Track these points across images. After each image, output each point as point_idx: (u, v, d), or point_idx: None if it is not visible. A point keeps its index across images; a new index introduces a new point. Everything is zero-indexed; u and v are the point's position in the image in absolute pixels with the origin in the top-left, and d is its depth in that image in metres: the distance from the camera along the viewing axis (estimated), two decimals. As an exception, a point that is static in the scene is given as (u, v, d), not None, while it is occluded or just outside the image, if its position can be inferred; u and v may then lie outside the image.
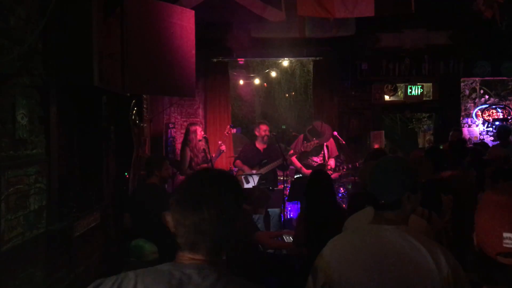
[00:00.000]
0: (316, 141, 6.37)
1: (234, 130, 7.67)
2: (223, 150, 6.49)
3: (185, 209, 1.20)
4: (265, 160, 6.41)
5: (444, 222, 3.39)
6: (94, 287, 1.21)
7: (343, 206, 3.78)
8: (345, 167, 6.74)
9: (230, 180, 1.28)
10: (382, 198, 1.76)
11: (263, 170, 6.34)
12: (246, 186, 6.04)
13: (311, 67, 8.74)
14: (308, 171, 6.40)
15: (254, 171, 6.31)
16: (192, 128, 6.24)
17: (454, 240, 3.49)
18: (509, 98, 8.09)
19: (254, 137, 6.75)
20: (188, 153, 6.12)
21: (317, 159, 6.67)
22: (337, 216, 3.46)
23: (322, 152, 6.64)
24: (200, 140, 6.16)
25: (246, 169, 6.36)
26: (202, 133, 6.31)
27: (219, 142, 6.55)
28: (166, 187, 5.15)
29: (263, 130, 6.49)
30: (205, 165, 6.17)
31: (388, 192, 1.76)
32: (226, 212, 1.19)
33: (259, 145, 6.56)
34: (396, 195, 1.75)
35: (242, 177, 6.36)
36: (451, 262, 1.64)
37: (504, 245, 1.35)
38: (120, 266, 3.45)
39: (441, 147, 5.73)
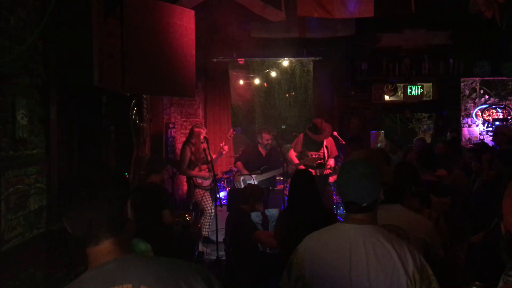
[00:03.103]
0: (315, 155, 6.33)
1: (235, 132, 7.69)
2: (223, 152, 6.50)
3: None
4: (266, 166, 6.42)
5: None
6: None
7: (329, 208, 3.62)
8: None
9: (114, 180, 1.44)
10: (363, 201, 1.79)
11: (263, 176, 6.36)
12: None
13: (311, 67, 8.74)
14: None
15: (253, 175, 6.33)
16: (197, 130, 6.24)
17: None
18: (509, 98, 8.09)
19: (254, 137, 6.75)
20: (188, 153, 6.14)
21: (316, 156, 6.63)
22: (317, 217, 3.28)
23: (322, 151, 6.61)
24: (202, 142, 6.17)
25: (246, 173, 6.39)
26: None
27: (221, 144, 6.56)
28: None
29: (265, 139, 6.53)
30: (205, 165, 6.19)
31: (367, 196, 1.79)
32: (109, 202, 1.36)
33: (262, 150, 6.60)
34: (373, 197, 1.80)
35: (241, 179, 6.36)
36: (418, 261, 1.72)
37: None
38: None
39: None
